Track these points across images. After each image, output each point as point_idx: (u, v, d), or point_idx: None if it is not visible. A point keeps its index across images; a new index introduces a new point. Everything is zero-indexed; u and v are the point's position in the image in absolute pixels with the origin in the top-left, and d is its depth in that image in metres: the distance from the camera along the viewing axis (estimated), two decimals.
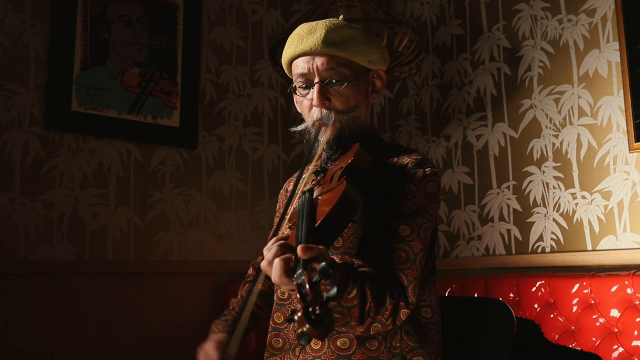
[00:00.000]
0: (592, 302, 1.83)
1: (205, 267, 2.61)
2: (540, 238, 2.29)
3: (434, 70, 2.77)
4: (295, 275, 0.88)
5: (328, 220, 1.07)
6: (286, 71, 1.45)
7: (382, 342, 1.26)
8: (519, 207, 2.38)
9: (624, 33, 2.09)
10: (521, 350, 1.69)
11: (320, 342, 1.27)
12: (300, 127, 1.41)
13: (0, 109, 2.21)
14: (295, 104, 1.44)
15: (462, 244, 2.55)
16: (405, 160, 1.33)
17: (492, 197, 2.47)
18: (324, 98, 1.33)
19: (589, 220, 2.16)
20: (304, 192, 1.22)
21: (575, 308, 1.86)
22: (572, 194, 2.22)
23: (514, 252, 2.37)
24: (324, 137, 1.34)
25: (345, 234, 1.28)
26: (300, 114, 1.44)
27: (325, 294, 0.83)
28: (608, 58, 2.16)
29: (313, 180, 1.33)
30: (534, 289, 1.97)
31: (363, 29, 1.55)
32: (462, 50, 2.66)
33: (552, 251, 2.25)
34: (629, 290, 1.76)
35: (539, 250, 2.29)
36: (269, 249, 1.09)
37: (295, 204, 1.23)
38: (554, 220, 2.26)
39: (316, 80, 1.34)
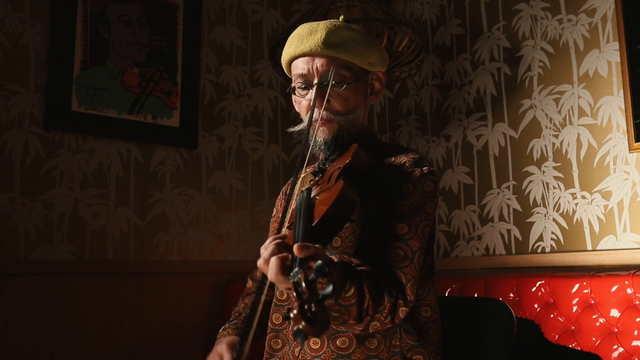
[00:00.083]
0: (592, 302, 1.83)
1: (205, 267, 2.61)
2: (540, 238, 2.29)
3: (434, 70, 2.77)
4: (291, 274, 0.88)
5: (325, 219, 1.07)
6: (285, 71, 1.45)
7: (381, 341, 1.26)
8: (519, 207, 2.38)
9: (624, 33, 2.09)
10: (521, 350, 1.69)
11: (319, 342, 1.27)
12: (298, 128, 1.42)
13: (0, 109, 2.21)
14: (294, 103, 1.45)
15: (462, 244, 2.55)
16: (403, 159, 1.34)
17: (492, 197, 2.47)
18: (323, 99, 1.34)
19: (589, 220, 2.16)
20: (301, 192, 1.22)
21: (575, 308, 1.86)
22: (572, 194, 2.22)
23: (514, 252, 2.37)
24: (321, 137, 1.35)
25: (344, 234, 1.28)
26: (300, 114, 1.44)
27: (321, 292, 0.84)
28: (608, 58, 2.16)
29: (311, 180, 1.33)
30: (534, 289, 1.97)
31: (363, 31, 1.55)
32: (462, 50, 2.66)
33: (552, 251, 2.25)
34: (629, 290, 1.76)
35: (539, 250, 2.29)
36: (266, 248, 1.10)
37: (293, 205, 1.24)
38: (554, 220, 2.26)
39: (315, 81, 1.35)
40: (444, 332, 1.42)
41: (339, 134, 1.36)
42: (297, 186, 1.20)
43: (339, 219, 1.11)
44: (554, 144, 2.29)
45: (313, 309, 0.81)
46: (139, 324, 2.41)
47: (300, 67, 1.36)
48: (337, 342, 1.26)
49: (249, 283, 1.63)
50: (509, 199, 2.41)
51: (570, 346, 1.83)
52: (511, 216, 2.40)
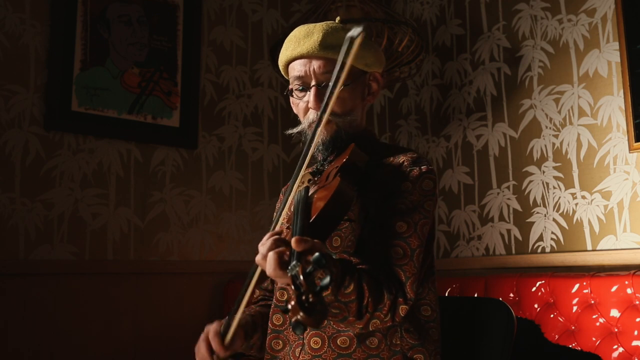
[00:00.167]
0: (592, 302, 1.83)
1: (205, 267, 2.61)
2: (540, 238, 2.29)
3: (434, 70, 2.77)
4: (289, 267, 0.89)
5: (322, 214, 1.08)
6: (283, 73, 1.46)
7: (382, 340, 1.26)
8: (519, 207, 2.38)
9: (624, 33, 2.09)
10: (521, 350, 1.69)
11: (320, 342, 1.27)
12: (296, 129, 1.42)
13: (0, 109, 2.21)
14: (292, 106, 1.45)
15: (462, 244, 2.56)
16: (401, 159, 1.34)
17: (492, 197, 2.47)
18: (321, 101, 1.34)
19: (589, 220, 2.16)
20: (299, 191, 1.22)
21: (575, 308, 1.86)
22: (572, 194, 2.22)
23: (514, 252, 2.37)
24: (319, 138, 1.35)
25: (343, 234, 1.28)
26: (298, 116, 1.44)
27: (319, 284, 0.84)
28: (608, 58, 2.16)
29: (309, 179, 1.34)
30: (534, 289, 1.97)
31: None
32: (462, 50, 2.66)
33: (552, 251, 2.25)
34: (629, 290, 1.76)
35: (539, 250, 2.29)
36: (264, 244, 1.10)
37: (292, 206, 1.24)
38: (554, 220, 2.26)
39: (313, 83, 1.35)
40: (444, 332, 1.42)
41: (337, 135, 1.36)
42: (296, 186, 1.21)
43: (336, 214, 1.12)
44: (554, 144, 2.29)
45: (311, 300, 0.82)
46: (139, 324, 2.41)
47: (297, 69, 1.37)
48: (338, 342, 1.26)
49: (257, 292, 1.62)
50: (509, 199, 2.41)
51: (570, 346, 1.83)
52: (511, 216, 2.40)
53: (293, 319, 0.80)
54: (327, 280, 0.83)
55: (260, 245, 1.12)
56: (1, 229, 2.17)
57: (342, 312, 1.13)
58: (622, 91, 2.10)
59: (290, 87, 1.41)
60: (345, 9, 2.36)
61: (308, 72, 1.35)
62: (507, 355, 1.40)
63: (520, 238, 2.36)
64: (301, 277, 0.85)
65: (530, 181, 2.35)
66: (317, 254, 0.85)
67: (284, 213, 1.22)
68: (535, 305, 1.95)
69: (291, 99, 1.43)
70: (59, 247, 2.27)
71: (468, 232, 2.54)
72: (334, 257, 1.15)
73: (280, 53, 1.41)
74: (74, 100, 2.36)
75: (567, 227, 2.22)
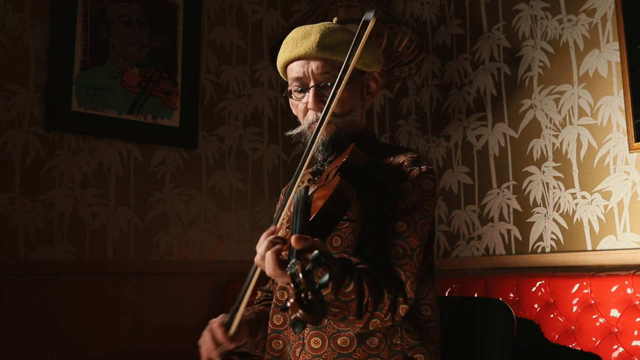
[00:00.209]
0: (592, 302, 1.83)
1: (205, 267, 2.61)
2: (540, 238, 2.29)
3: (434, 70, 2.77)
4: (288, 265, 0.89)
5: (322, 213, 1.08)
6: (281, 75, 1.46)
7: (382, 340, 1.26)
8: (519, 207, 2.38)
9: (624, 33, 2.09)
10: (521, 350, 1.69)
11: (320, 341, 1.27)
12: (296, 131, 1.42)
13: (0, 109, 2.21)
14: (291, 107, 1.45)
15: (462, 244, 2.56)
16: (401, 159, 1.34)
17: (492, 197, 2.47)
18: (320, 101, 1.35)
19: (589, 220, 2.16)
20: (299, 190, 1.23)
21: (575, 308, 1.86)
22: (572, 194, 2.22)
23: (514, 252, 2.37)
24: (319, 138, 1.35)
25: (343, 233, 1.28)
26: (297, 117, 1.45)
27: (318, 282, 0.84)
28: (608, 58, 2.16)
29: (309, 179, 1.34)
30: (534, 289, 1.97)
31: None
32: (462, 50, 2.66)
33: (552, 251, 2.25)
34: (629, 290, 1.76)
35: (539, 250, 2.29)
36: (260, 244, 1.11)
37: (291, 206, 1.24)
38: (554, 220, 2.26)
39: (311, 84, 1.35)
40: (444, 332, 1.42)
41: (336, 135, 1.36)
42: (296, 186, 1.21)
43: (336, 213, 1.12)
44: (554, 144, 2.29)
45: (310, 297, 0.82)
46: (139, 324, 2.41)
47: (295, 70, 1.37)
48: (338, 342, 1.26)
49: (258, 294, 1.62)
50: (509, 199, 2.41)
51: (570, 346, 1.83)
52: (511, 216, 2.40)
53: (292, 317, 0.81)
54: (326, 278, 0.83)
55: (257, 246, 1.12)
56: (1, 229, 2.16)
57: (342, 311, 1.13)
58: (622, 91, 2.10)
59: (289, 88, 1.42)
60: (345, 9, 2.36)
61: (306, 73, 1.35)
62: (507, 355, 1.40)
63: (520, 238, 2.36)
64: (300, 275, 0.85)
65: (530, 181, 2.35)
66: (316, 251, 0.85)
67: (283, 213, 1.22)
68: (535, 305, 1.95)
69: (290, 100, 1.43)
70: (59, 247, 2.27)
71: (468, 232, 2.54)
72: (334, 256, 1.15)
73: (279, 55, 1.42)
74: (74, 100, 2.36)
75: (567, 227, 2.22)
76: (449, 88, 2.70)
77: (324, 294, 1.03)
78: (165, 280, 2.50)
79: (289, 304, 0.82)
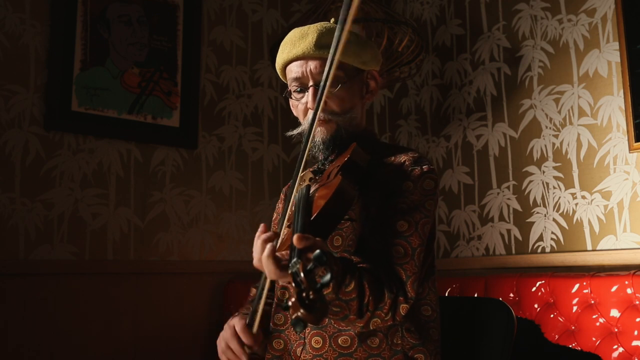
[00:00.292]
0: (592, 302, 1.83)
1: (205, 267, 2.61)
2: (540, 238, 2.29)
3: (434, 70, 2.77)
4: (290, 264, 0.89)
5: (323, 212, 1.08)
6: (280, 76, 1.47)
7: (383, 339, 1.26)
8: (519, 207, 2.38)
9: (624, 33, 2.09)
10: (521, 350, 1.69)
11: (321, 341, 1.27)
12: (296, 131, 1.42)
13: (0, 109, 2.21)
14: (292, 108, 1.46)
15: (462, 244, 2.56)
16: (403, 158, 1.34)
17: (492, 197, 2.47)
18: None
19: (589, 220, 2.16)
20: (300, 189, 1.23)
21: (575, 308, 1.86)
22: (572, 194, 2.22)
23: (514, 252, 2.37)
24: (319, 137, 1.35)
25: (344, 233, 1.28)
26: (298, 118, 1.45)
27: (319, 281, 0.84)
28: (608, 58, 2.16)
29: (310, 178, 1.34)
30: (534, 289, 1.97)
31: (355, 30, 1.55)
32: (462, 50, 2.66)
33: (552, 251, 2.25)
34: (629, 290, 1.76)
35: (539, 250, 2.29)
36: (255, 247, 1.11)
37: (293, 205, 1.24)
38: (554, 220, 2.26)
39: (310, 83, 1.35)
40: (444, 332, 1.42)
41: (337, 134, 1.36)
42: (297, 185, 1.21)
43: (337, 212, 1.12)
44: (554, 144, 2.29)
45: (311, 297, 0.82)
46: (139, 324, 2.41)
47: (294, 70, 1.37)
48: (339, 341, 1.26)
49: (252, 291, 1.62)
50: (509, 199, 2.41)
51: (570, 346, 1.83)
52: (511, 216, 2.40)
53: (293, 316, 0.81)
54: (327, 277, 0.83)
55: (253, 250, 1.12)
56: (1, 229, 2.16)
57: (343, 310, 1.13)
58: (622, 91, 2.10)
59: (288, 89, 1.42)
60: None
61: (305, 72, 1.35)
62: (507, 355, 1.40)
63: (520, 238, 2.36)
64: (302, 274, 0.85)
65: (530, 181, 2.35)
66: (318, 251, 0.85)
67: (287, 214, 1.22)
68: (535, 305, 1.95)
69: (290, 101, 1.44)
70: (59, 247, 2.27)
71: (468, 232, 2.54)
72: (335, 255, 1.15)
73: (277, 57, 1.42)
74: (74, 100, 2.36)
75: (567, 227, 2.22)
76: (449, 88, 2.70)
77: (325, 293, 1.03)
78: (165, 280, 2.50)
79: (290, 303, 0.82)
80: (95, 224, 2.37)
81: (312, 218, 1.08)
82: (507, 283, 2.06)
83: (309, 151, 1.22)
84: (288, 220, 1.23)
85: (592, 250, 2.14)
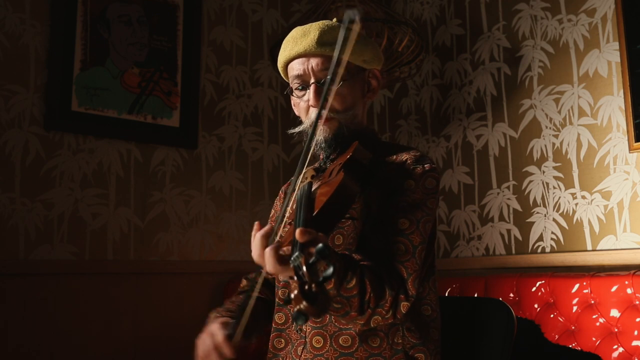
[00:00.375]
0: (592, 302, 1.83)
1: (205, 267, 2.61)
2: (540, 238, 2.30)
3: (434, 70, 2.77)
4: (292, 258, 0.88)
5: (325, 208, 1.08)
6: (282, 75, 1.47)
7: (384, 339, 1.26)
8: (519, 207, 2.38)
9: (624, 33, 2.09)
10: (521, 350, 1.69)
11: (322, 341, 1.27)
12: (298, 129, 1.42)
13: (0, 109, 2.21)
14: (293, 107, 1.46)
15: (462, 244, 2.56)
16: (404, 157, 1.34)
17: (492, 197, 2.47)
18: (321, 97, 1.34)
19: (589, 220, 2.16)
20: (302, 186, 1.23)
21: (575, 308, 1.86)
22: (572, 194, 2.22)
23: (514, 252, 2.37)
24: (321, 136, 1.35)
25: (345, 231, 1.28)
26: (299, 116, 1.45)
27: (321, 274, 0.84)
28: (608, 58, 2.16)
29: (313, 175, 1.34)
30: (534, 289, 1.97)
31: (360, 29, 1.55)
32: (462, 50, 2.66)
33: (552, 251, 2.25)
34: (629, 290, 1.76)
35: (539, 250, 2.29)
36: (253, 242, 1.10)
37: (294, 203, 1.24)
38: (554, 220, 2.26)
39: (312, 80, 1.35)
40: (444, 332, 1.42)
41: (339, 132, 1.36)
42: (299, 182, 1.21)
43: (339, 209, 1.12)
44: (554, 144, 2.29)
45: (313, 289, 0.81)
46: (139, 324, 2.41)
47: (296, 68, 1.38)
48: (340, 341, 1.26)
49: (243, 282, 1.63)
50: (509, 199, 2.41)
51: (570, 346, 1.83)
52: (511, 216, 2.40)
53: (295, 308, 0.80)
54: (330, 270, 0.83)
55: (252, 245, 1.12)
56: (1, 229, 2.16)
57: (344, 306, 1.13)
58: (622, 91, 2.10)
59: (290, 86, 1.42)
60: (345, 9, 2.36)
61: (307, 70, 1.36)
62: (507, 355, 1.40)
63: (520, 238, 2.36)
64: (304, 267, 0.85)
65: (530, 181, 2.35)
66: (320, 244, 0.85)
67: (287, 212, 1.22)
68: (535, 305, 1.95)
69: (292, 99, 1.44)
70: (59, 247, 2.27)
71: (468, 232, 2.54)
72: (336, 252, 1.15)
73: (279, 55, 1.42)
74: (74, 100, 2.36)
75: (567, 227, 2.22)
76: (449, 88, 2.70)
77: (327, 288, 1.03)
78: (165, 280, 2.50)
79: (292, 296, 0.82)
80: (95, 224, 2.37)
81: (314, 214, 1.08)
82: (507, 283, 2.06)
83: (311, 149, 1.22)
84: (289, 218, 1.23)
85: (592, 250, 2.14)
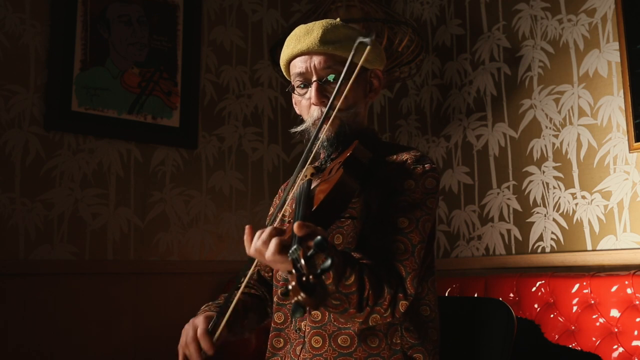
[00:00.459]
0: (592, 302, 1.83)
1: (205, 267, 2.61)
2: (540, 238, 2.29)
3: (434, 70, 2.77)
4: (290, 251, 0.88)
5: (324, 204, 1.08)
6: (284, 73, 1.46)
7: (382, 339, 1.26)
8: (519, 207, 2.38)
9: (624, 33, 2.09)
10: (521, 350, 1.69)
11: (321, 341, 1.27)
12: (300, 128, 1.42)
13: (0, 109, 2.21)
14: (294, 105, 1.46)
15: (462, 244, 2.56)
16: (405, 157, 1.35)
17: (492, 197, 2.47)
18: (323, 96, 1.35)
19: (589, 220, 2.16)
20: (302, 183, 1.23)
21: (575, 308, 1.86)
22: (572, 194, 2.22)
23: (514, 252, 2.37)
24: (323, 134, 1.35)
25: (345, 230, 1.28)
26: (300, 115, 1.45)
27: (320, 267, 0.84)
28: (608, 58, 2.16)
29: (312, 173, 1.34)
30: (534, 289, 1.97)
31: (360, 29, 1.56)
32: (462, 50, 2.66)
33: (552, 251, 2.25)
34: (629, 290, 1.76)
35: (539, 250, 2.29)
36: (259, 236, 1.08)
37: (292, 203, 1.24)
38: (554, 220, 2.26)
39: (314, 78, 1.36)
40: (444, 332, 1.42)
41: (340, 130, 1.36)
42: (299, 180, 1.21)
43: (338, 205, 1.12)
44: (554, 144, 2.29)
45: (311, 281, 0.81)
46: (139, 324, 2.41)
47: (298, 66, 1.38)
48: (339, 341, 1.26)
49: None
50: (509, 199, 2.41)
51: (570, 346, 1.83)
52: (511, 216, 2.40)
53: (293, 300, 0.80)
54: (328, 263, 0.83)
55: (255, 238, 1.09)
56: (1, 229, 2.16)
57: (342, 303, 1.12)
58: (622, 91, 2.10)
59: (292, 84, 1.42)
60: (345, 9, 2.36)
61: (309, 68, 1.36)
62: (507, 355, 1.40)
63: (520, 238, 2.36)
64: (302, 260, 0.85)
65: (530, 181, 2.35)
66: (319, 237, 0.85)
67: (283, 210, 1.22)
68: (535, 305, 1.95)
69: (293, 97, 1.44)
70: (59, 247, 2.27)
71: (468, 232, 2.54)
72: (335, 248, 1.15)
73: (282, 53, 1.42)
74: (74, 100, 2.36)
75: (567, 227, 2.22)
76: (449, 88, 2.70)
77: (326, 283, 1.03)
78: (165, 280, 2.50)
79: (290, 287, 0.82)
80: (95, 224, 2.37)
81: (312, 210, 1.08)
82: (507, 283, 2.06)
83: (316, 148, 1.22)
84: (289, 217, 1.23)
85: (592, 250, 2.14)
